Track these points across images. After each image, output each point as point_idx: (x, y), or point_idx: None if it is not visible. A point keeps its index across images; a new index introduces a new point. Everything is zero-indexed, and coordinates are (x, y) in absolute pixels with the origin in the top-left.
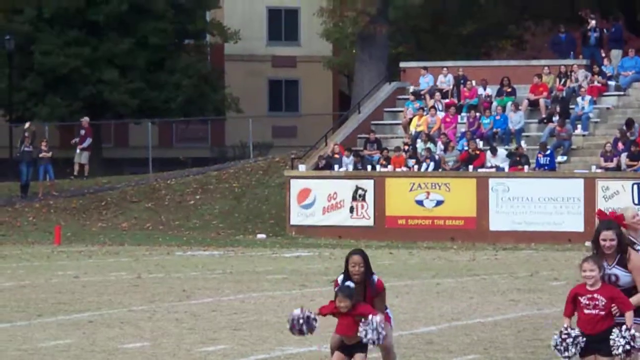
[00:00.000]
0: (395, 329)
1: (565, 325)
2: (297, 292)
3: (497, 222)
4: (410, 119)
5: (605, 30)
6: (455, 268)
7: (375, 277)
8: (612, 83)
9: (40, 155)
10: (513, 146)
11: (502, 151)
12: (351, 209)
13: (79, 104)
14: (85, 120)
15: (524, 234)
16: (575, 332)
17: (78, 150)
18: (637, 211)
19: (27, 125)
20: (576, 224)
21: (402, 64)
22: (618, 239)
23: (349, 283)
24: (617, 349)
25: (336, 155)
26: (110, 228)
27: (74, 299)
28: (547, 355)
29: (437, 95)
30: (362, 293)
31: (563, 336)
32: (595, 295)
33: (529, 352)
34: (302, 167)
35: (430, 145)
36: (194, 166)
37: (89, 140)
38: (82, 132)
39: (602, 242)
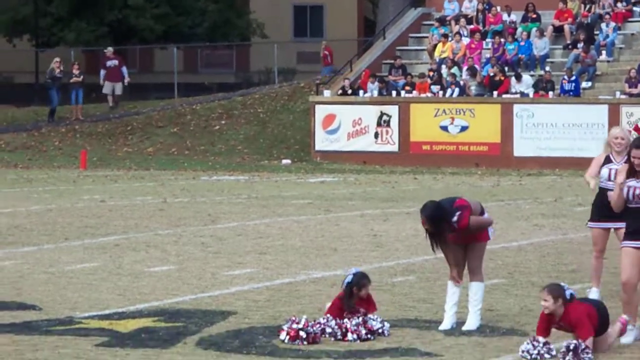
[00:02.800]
0: (419, 253)
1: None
2: (322, 217)
3: (522, 147)
4: (435, 45)
5: None
6: (479, 193)
7: (456, 218)
8: (636, 9)
9: (72, 80)
10: (537, 72)
11: (526, 77)
12: (376, 135)
13: (104, 29)
14: (109, 50)
15: (548, 159)
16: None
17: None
18: (622, 134)
19: (54, 61)
20: (600, 150)
21: None
22: None
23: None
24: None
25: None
26: (136, 153)
27: (100, 222)
28: (572, 280)
29: (462, 21)
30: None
31: (534, 343)
32: (561, 324)
33: (553, 276)
34: (326, 93)
35: (454, 71)
36: (219, 91)
37: (125, 71)
38: (113, 63)
39: (632, 160)
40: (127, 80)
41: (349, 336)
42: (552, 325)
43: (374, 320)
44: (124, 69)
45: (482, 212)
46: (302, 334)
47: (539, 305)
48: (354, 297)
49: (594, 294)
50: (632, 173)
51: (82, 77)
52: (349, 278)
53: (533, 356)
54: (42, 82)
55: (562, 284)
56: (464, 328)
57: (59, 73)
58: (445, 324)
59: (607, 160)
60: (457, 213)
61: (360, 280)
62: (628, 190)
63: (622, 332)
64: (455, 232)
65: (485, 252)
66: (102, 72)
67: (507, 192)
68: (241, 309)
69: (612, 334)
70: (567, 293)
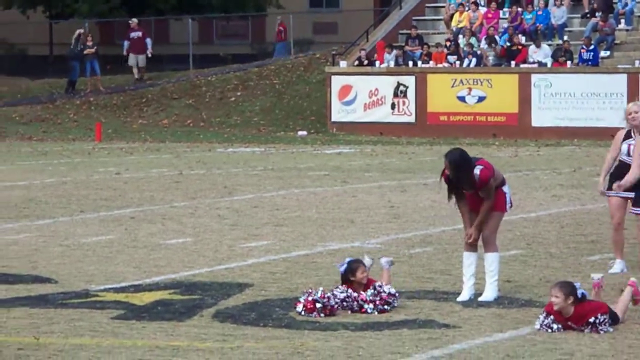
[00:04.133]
0: (437, 225)
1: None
2: (339, 189)
3: (540, 118)
4: (452, 15)
5: None
6: (497, 164)
7: (477, 172)
8: None
9: (85, 52)
10: (555, 42)
11: (544, 46)
12: (392, 106)
13: (118, 0)
14: (134, 21)
15: (566, 129)
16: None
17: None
18: (637, 107)
19: (77, 32)
20: (619, 120)
21: None
22: None
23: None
24: None
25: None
26: (151, 125)
27: (115, 195)
28: (591, 251)
29: None
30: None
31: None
32: (569, 323)
33: (572, 247)
34: (343, 64)
35: (472, 40)
36: (235, 63)
37: (149, 42)
38: (137, 34)
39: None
40: (150, 52)
41: (366, 307)
42: (559, 322)
43: (387, 287)
44: (148, 41)
45: (503, 182)
46: (319, 305)
47: (558, 276)
48: (355, 284)
49: (618, 265)
50: (629, 134)
51: (95, 48)
52: (343, 267)
53: (547, 325)
54: (66, 54)
55: (575, 283)
56: (481, 299)
57: (81, 45)
58: (464, 296)
59: (627, 136)
60: (480, 167)
61: (352, 264)
62: (628, 147)
63: (636, 295)
64: (473, 187)
65: (500, 223)
66: (126, 44)
67: (525, 162)
68: (258, 281)
69: (624, 301)
70: (579, 292)
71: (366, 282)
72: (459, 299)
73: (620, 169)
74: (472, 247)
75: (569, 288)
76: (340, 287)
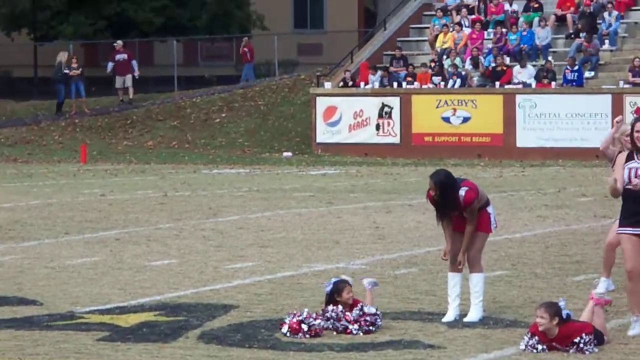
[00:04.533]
0: (422, 246)
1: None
2: (324, 209)
3: (524, 138)
4: (437, 36)
5: None
6: (482, 185)
7: (462, 193)
8: None
9: (71, 74)
10: (540, 62)
11: (529, 67)
12: (377, 127)
13: (103, 22)
14: (119, 44)
15: (551, 150)
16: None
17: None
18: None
19: (60, 54)
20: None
21: None
22: None
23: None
24: None
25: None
26: (136, 146)
27: (100, 217)
28: (576, 271)
29: (464, 11)
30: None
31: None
32: (553, 344)
33: (557, 267)
34: (327, 85)
35: (456, 61)
36: (220, 84)
37: (135, 64)
38: (123, 57)
39: (635, 134)
40: (136, 73)
41: (351, 327)
42: (543, 342)
43: (367, 308)
44: (134, 62)
45: (487, 203)
46: (304, 327)
47: (543, 297)
48: (340, 305)
49: (602, 283)
50: (631, 156)
51: (80, 70)
52: (328, 288)
53: (532, 346)
54: (50, 76)
55: (560, 302)
56: (466, 320)
57: (66, 68)
58: (449, 316)
59: (630, 157)
60: (464, 189)
61: (339, 285)
62: (629, 172)
63: (599, 303)
64: (458, 208)
65: (485, 244)
66: (110, 65)
67: (510, 183)
68: (243, 302)
69: (599, 320)
70: (564, 313)
71: (352, 303)
72: (444, 319)
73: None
74: (456, 267)
75: (554, 308)
76: (330, 307)
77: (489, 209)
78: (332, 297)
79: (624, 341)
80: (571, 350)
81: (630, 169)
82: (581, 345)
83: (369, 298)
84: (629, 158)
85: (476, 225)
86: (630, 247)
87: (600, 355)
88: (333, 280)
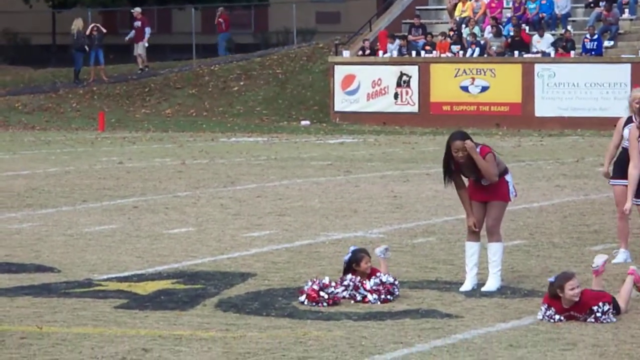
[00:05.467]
0: (440, 215)
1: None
2: (342, 178)
3: (543, 108)
4: (455, 4)
5: None
6: (500, 154)
7: (478, 149)
8: None
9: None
10: (559, 31)
11: (548, 36)
12: (395, 95)
13: None
14: (137, 10)
15: (569, 119)
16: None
17: (145, 44)
18: None
19: (75, 22)
20: (622, 110)
21: None
22: None
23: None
24: None
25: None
26: (154, 114)
27: (118, 184)
28: (594, 241)
29: None
30: (474, 168)
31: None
32: (572, 313)
33: (575, 237)
34: (346, 53)
35: (475, 30)
36: (238, 52)
37: (148, 31)
38: (138, 24)
39: None
40: (145, 40)
41: (369, 297)
42: (560, 313)
43: (385, 277)
44: (147, 30)
45: (505, 171)
46: (323, 295)
47: (561, 266)
48: (358, 274)
49: (621, 254)
50: (630, 119)
51: (100, 37)
52: (347, 256)
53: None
54: (68, 43)
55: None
56: (484, 289)
57: (83, 36)
58: (466, 286)
59: (629, 120)
60: (480, 145)
61: (357, 254)
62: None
63: (637, 282)
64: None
65: (505, 213)
66: (132, 33)
67: (528, 152)
68: (260, 270)
69: (626, 290)
70: None
71: (369, 272)
72: (462, 288)
73: (623, 154)
74: (475, 236)
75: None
76: (348, 276)
77: (507, 177)
78: (350, 266)
79: None
80: (589, 319)
81: (630, 129)
82: (598, 314)
83: (384, 266)
84: (629, 121)
85: (491, 169)
86: (619, 194)
87: (618, 324)
88: (352, 248)
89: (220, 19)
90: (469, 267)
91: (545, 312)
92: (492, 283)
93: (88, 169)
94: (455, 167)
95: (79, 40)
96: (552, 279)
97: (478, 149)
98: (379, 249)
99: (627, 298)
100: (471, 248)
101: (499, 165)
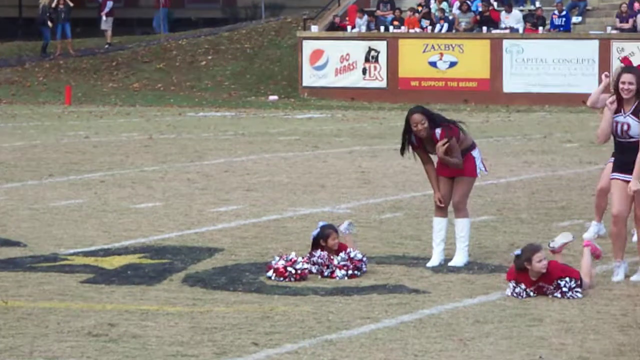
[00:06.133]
0: (408, 190)
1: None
2: (310, 153)
3: (511, 83)
4: None
5: None
6: (468, 130)
7: (438, 130)
8: None
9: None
10: (527, 7)
11: (516, 12)
12: (364, 71)
13: None
14: None
15: (537, 95)
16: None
17: (104, 18)
18: (633, 78)
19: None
20: (590, 86)
21: None
22: (638, 85)
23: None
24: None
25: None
26: (121, 89)
27: (85, 159)
28: (561, 217)
29: None
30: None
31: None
32: (540, 284)
33: (542, 213)
34: (314, 28)
35: (443, 5)
36: (206, 27)
37: (109, 5)
38: None
39: (621, 85)
40: (104, 13)
41: (337, 272)
42: (528, 286)
43: (353, 253)
44: (109, 3)
45: (472, 146)
46: (290, 270)
47: (528, 242)
48: (325, 250)
49: (594, 227)
50: (619, 109)
51: (67, 10)
52: (315, 232)
53: (518, 293)
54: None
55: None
56: (451, 264)
57: (49, 10)
58: (433, 261)
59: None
60: (442, 127)
61: (325, 230)
62: (616, 126)
63: (594, 252)
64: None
65: (471, 189)
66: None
67: (496, 128)
68: (228, 245)
69: (586, 264)
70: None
71: (337, 248)
72: (429, 264)
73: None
74: (442, 212)
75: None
76: (317, 252)
77: (474, 153)
78: (318, 242)
79: (608, 287)
80: (555, 294)
81: (617, 122)
82: (565, 289)
83: (350, 242)
84: (617, 111)
85: (461, 166)
86: (618, 192)
87: (584, 300)
88: (320, 224)
89: None
90: (436, 243)
91: (514, 290)
92: (460, 258)
93: (55, 143)
94: (418, 143)
95: (45, 14)
96: (518, 252)
97: (439, 131)
98: (343, 226)
99: (588, 271)
100: (438, 224)
101: (465, 141)
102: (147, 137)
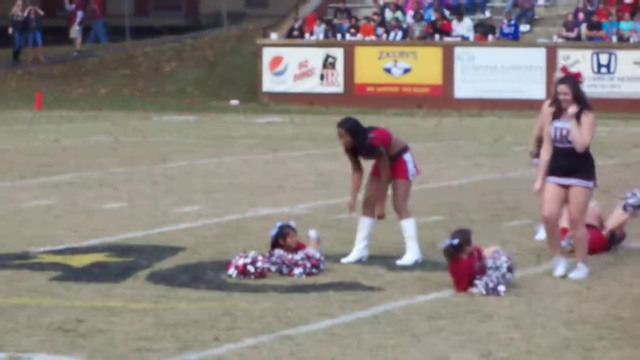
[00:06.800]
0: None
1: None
2: (269, 157)
3: (462, 89)
4: None
5: None
6: (422, 134)
7: (368, 140)
8: None
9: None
10: (478, 16)
11: (467, 20)
12: (321, 77)
13: None
14: None
15: (488, 101)
16: None
17: (77, 27)
18: (566, 89)
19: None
20: (538, 92)
21: None
22: (572, 93)
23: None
24: None
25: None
26: (90, 94)
27: (54, 161)
28: (510, 217)
29: None
30: (356, 160)
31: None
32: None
33: (492, 214)
34: (274, 36)
35: (398, 14)
36: (169, 34)
37: (80, 15)
38: (72, 7)
39: (560, 96)
40: (77, 24)
41: (296, 271)
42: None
43: (311, 252)
44: (79, 13)
45: (404, 150)
46: (250, 268)
47: (479, 241)
48: (284, 249)
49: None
50: (557, 114)
51: (39, 19)
52: (274, 231)
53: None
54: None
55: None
56: (399, 262)
57: (19, 16)
58: (350, 257)
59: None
60: (372, 136)
61: (283, 229)
62: (555, 131)
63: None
64: (367, 150)
65: (408, 190)
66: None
67: (448, 132)
68: (191, 244)
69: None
70: (454, 242)
71: (295, 247)
72: (345, 260)
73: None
74: (367, 211)
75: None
76: (276, 251)
77: (405, 157)
78: (277, 241)
79: (555, 284)
80: (479, 290)
81: (556, 128)
82: (490, 286)
83: (313, 245)
84: (556, 116)
85: (390, 173)
86: (549, 195)
87: (531, 297)
88: (278, 224)
89: (94, 6)
90: (358, 240)
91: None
92: (408, 257)
93: (25, 146)
94: (346, 149)
95: (17, 22)
96: (454, 241)
97: (369, 140)
98: (313, 232)
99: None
100: (363, 222)
101: (397, 145)
102: (113, 140)
